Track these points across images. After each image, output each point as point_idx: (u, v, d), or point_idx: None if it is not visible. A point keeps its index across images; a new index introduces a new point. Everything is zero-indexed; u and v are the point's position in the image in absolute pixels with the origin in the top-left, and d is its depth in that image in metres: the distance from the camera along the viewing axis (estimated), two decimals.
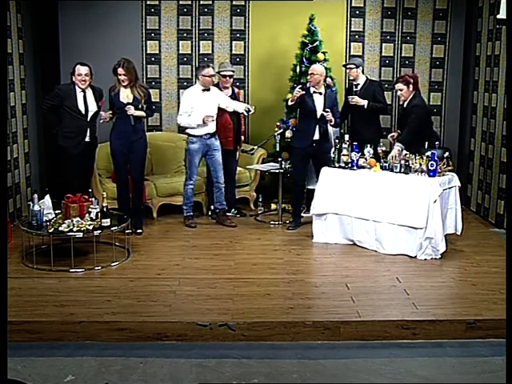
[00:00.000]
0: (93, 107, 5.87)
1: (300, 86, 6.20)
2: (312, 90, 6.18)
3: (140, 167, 6.10)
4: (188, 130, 6.30)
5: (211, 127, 6.27)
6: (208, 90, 6.25)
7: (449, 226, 5.63)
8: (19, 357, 3.83)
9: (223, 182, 6.43)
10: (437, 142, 5.94)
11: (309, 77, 6.20)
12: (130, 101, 5.90)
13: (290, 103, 6.11)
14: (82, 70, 5.78)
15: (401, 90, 6.00)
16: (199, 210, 6.94)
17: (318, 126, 6.14)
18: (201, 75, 6.21)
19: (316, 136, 6.16)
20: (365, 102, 6.44)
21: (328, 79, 6.85)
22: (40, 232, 5.15)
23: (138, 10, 7.39)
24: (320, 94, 6.17)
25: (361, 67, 6.70)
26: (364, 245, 5.74)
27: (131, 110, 5.85)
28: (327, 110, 6.07)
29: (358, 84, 6.64)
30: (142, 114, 6.00)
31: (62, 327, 4.06)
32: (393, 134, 6.36)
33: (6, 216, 5.62)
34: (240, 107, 6.37)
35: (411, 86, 5.96)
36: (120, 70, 5.84)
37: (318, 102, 6.15)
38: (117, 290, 4.64)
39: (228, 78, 6.61)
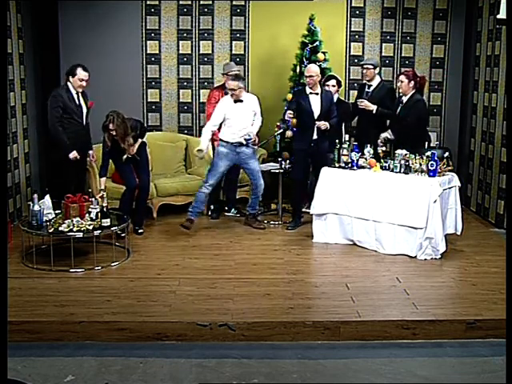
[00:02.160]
0: (85, 109, 5.94)
1: (291, 111, 6.19)
2: (308, 91, 6.17)
3: (148, 170, 6.19)
4: (220, 135, 6.19)
5: (242, 137, 6.12)
6: (241, 101, 6.11)
7: (449, 226, 5.63)
8: (19, 357, 3.83)
9: (262, 190, 6.33)
10: (437, 142, 5.95)
11: (307, 79, 6.16)
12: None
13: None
14: (85, 75, 5.79)
15: (401, 82, 6.03)
16: None
17: (315, 127, 6.13)
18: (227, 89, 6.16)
19: (314, 136, 6.16)
20: (374, 107, 6.34)
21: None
22: (40, 232, 5.15)
23: (138, 10, 7.39)
24: (316, 94, 6.16)
25: (378, 68, 6.61)
26: (364, 245, 5.74)
27: (132, 152, 5.88)
28: (318, 121, 6.08)
29: (371, 85, 6.55)
30: (138, 144, 5.96)
31: (61, 327, 4.06)
32: (383, 137, 6.27)
33: (6, 216, 5.62)
34: (255, 129, 6.25)
35: (412, 82, 5.97)
36: (111, 126, 5.66)
37: (315, 102, 6.15)
38: (117, 290, 4.64)
39: None
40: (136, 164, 6.00)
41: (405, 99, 6.07)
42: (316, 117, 6.13)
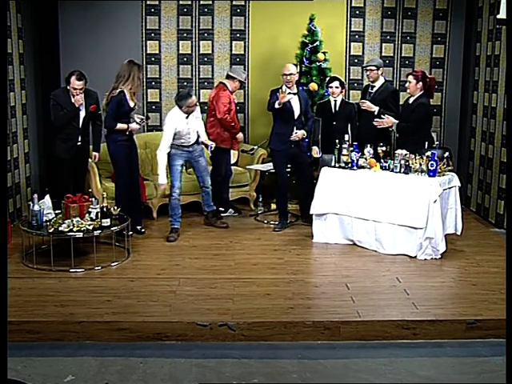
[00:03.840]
0: (83, 112, 5.88)
1: (281, 89, 6.01)
2: (287, 90, 6.05)
3: (138, 166, 6.20)
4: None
5: (192, 138, 6.03)
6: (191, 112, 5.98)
7: (449, 226, 5.63)
8: (19, 357, 3.83)
9: (210, 186, 6.31)
10: (437, 142, 5.96)
11: (287, 77, 6.04)
12: (134, 105, 5.90)
13: (277, 106, 5.94)
14: (77, 84, 5.72)
15: (409, 83, 5.99)
16: (199, 209, 6.93)
17: (294, 127, 6.10)
18: (185, 106, 5.85)
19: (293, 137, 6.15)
20: (376, 109, 6.27)
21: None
22: (40, 232, 5.15)
23: (138, 10, 7.40)
24: (295, 94, 6.12)
25: (381, 68, 6.52)
26: (364, 245, 5.74)
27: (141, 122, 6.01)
28: (296, 132, 6.08)
29: (374, 86, 6.48)
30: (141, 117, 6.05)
31: (61, 327, 4.06)
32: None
33: (6, 216, 5.62)
34: (203, 134, 6.22)
35: (420, 83, 5.92)
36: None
37: (294, 102, 6.12)
38: (117, 290, 4.64)
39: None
40: (132, 153, 6.02)
41: (411, 100, 6.05)
42: (296, 117, 6.12)
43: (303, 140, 6.23)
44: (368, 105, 6.33)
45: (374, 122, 6.18)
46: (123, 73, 5.78)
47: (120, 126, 5.82)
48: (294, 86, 6.14)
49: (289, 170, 6.44)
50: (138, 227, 6.15)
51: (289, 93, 6.01)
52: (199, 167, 6.22)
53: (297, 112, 6.11)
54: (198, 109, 6.15)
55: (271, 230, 6.40)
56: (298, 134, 6.07)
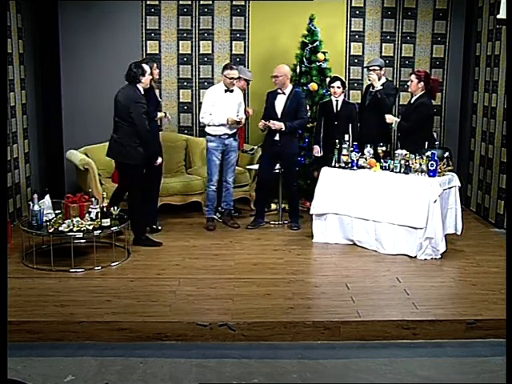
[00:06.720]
0: None
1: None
2: (279, 90, 6.16)
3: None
4: (207, 129, 6.26)
5: (230, 128, 6.24)
6: (231, 91, 6.22)
7: (449, 226, 5.63)
8: (19, 357, 3.82)
9: (232, 183, 6.44)
10: (437, 142, 5.97)
11: (273, 79, 6.13)
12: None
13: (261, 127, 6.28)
14: (149, 66, 5.61)
15: (411, 81, 6.03)
16: (199, 209, 6.93)
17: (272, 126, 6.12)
18: (223, 75, 6.20)
19: (276, 137, 6.15)
20: (395, 120, 6.24)
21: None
22: (40, 232, 5.15)
23: (138, 10, 7.39)
24: (283, 94, 6.14)
25: (384, 68, 6.63)
26: (364, 245, 5.74)
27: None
28: (271, 121, 6.08)
29: (375, 86, 6.52)
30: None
31: (61, 327, 4.06)
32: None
33: (6, 216, 5.62)
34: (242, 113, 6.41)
35: (422, 83, 5.94)
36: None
37: (280, 102, 6.15)
38: (117, 290, 4.64)
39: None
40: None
41: (413, 99, 6.06)
42: (279, 117, 6.13)
43: (286, 136, 6.13)
44: (390, 118, 6.27)
45: (388, 120, 6.23)
46: None
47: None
48: (287, 86, 6.16)
49: (277, 170, 6.46)
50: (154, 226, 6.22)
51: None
52: (228, 162, 6.33)
53: (279, 111, 6.12)
54: (241, 100, 6.34)
55: (271, 229, 6.41)
56: (275, 124, 6.06)
